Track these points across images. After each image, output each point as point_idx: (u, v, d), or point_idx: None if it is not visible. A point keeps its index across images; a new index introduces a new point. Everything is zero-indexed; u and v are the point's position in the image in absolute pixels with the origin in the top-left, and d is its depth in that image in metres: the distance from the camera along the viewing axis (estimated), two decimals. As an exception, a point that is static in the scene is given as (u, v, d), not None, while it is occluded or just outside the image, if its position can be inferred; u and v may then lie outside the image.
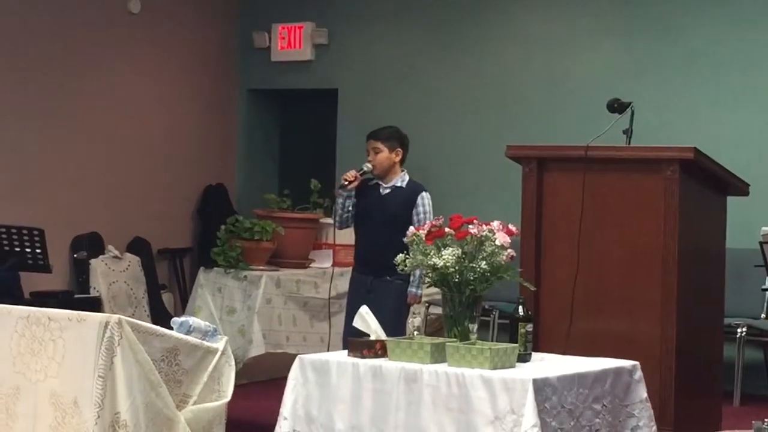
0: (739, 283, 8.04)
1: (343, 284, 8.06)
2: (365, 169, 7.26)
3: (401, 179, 7.31)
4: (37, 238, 8.22)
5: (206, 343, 5.15)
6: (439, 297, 5.37)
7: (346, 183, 7.20)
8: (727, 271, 6.44)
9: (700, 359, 6.10)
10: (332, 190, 7.55)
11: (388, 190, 7.28)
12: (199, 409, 5.07)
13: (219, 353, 5.17)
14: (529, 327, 5.17)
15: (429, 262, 5.13)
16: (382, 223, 7.17)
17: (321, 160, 10.97)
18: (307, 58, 11.11)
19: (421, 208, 7.20)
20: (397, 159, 7.31)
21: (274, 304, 8.75)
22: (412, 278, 7.05)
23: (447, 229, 5.20)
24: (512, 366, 4.94)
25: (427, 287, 5.43)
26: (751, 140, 9.09)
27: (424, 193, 7.26)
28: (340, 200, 7.31)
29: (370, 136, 7.37)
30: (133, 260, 10.24)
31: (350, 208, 7.33)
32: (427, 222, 6.95)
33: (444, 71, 10.46)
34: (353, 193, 7.29)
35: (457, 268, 5.07)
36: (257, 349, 8.59)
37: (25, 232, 8.25)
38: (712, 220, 6.29)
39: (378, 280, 7.17)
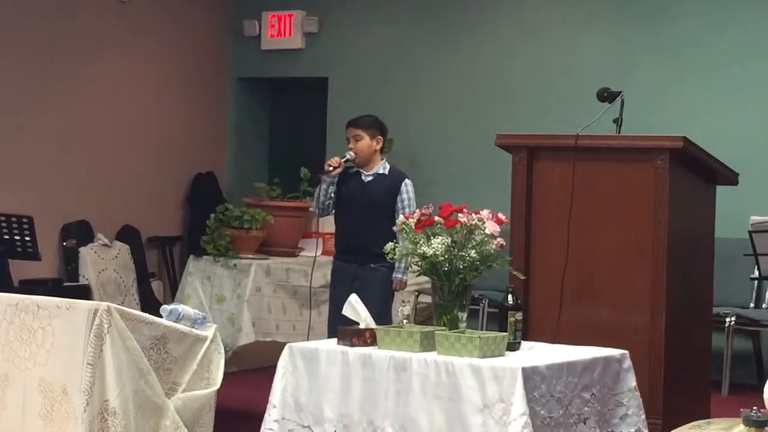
0: (728, 272, 8.07)
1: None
2: (348, 156, 7.26)
3: (383, 167, 7.31)
4: (26, 226, 8.21)
5: (195, 331, 5.15)
6: (429, 286, 5.37)
7: (331, 169, 7.20)
8: (716, 261, 6.45)
9: (689, 348, 6.11)
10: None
11: (370, 178, 7.28)
12: (189, 397, 5.07)
13: (208, 341, 5.17)
14: (519, 316, 5.18)
15: (418, 251, 5.13)
16: (365, 210, 7.17)
17: (311, 149, 10.96)
18: (297, 46, 11.10)
19: (405, 195, 7.20)
20: (378, 147, 7.29)
21: (264, 293, 8.74)
22: (397, 264, 7.04)
23: (436, 218, 5.20)
24: (501, 355, 4.94)
25: (417, 276, 5.42)
26: (741, 130, 9.11)
27: (407, 180, 7.26)
28: (323, 186, 7.30)
29: (350, 124, 7.35)
30: (122, 248, 10.23)
31: (332, 195, 7.32)
32: (411, 209, 7.03)
33: (435, 60, 10.46)
34: (335, 180, 7.29)
35: (446, 256, 5.07)
36: (247, 337, 8.59)
37: (14, 219, 8.23)
38: (702, 210, 6.30)
39: (362, 267, 7.16)
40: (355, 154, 7.25)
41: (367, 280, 7.11)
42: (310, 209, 7.41)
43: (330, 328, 7.21)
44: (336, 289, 7.29)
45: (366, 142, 7.25)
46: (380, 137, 7.30)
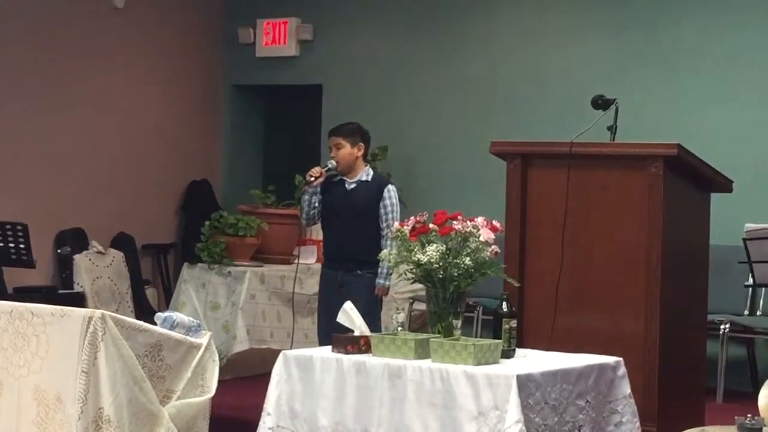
0: (723, 279, 8.08)
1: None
2: (330, 165, 7.27)
3: (366, 173, 7.31)
4: (20, 233, 8.20)
5: (190, 339, 5.14)
6: (423, 293, 5.37)
7: (312, 179, 7.22)
8: (711, 268, 6.45)
9: (684, 355, 6.11)
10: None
11: (353, 185, 7.28)
12: (183, 405, 5.06)
13: (203, 349, 5.17)
14: (513, 323, 5.18)
15: (413, 258, 5.13)
16: (349, 217, 7.18)
17: (305, 156, 10.94)
18: (291, 53, 11.10)
19: (388, 201, 7.20)
20: (360, 154, 7.30)
21: (258, 300, 8.74)
22: (380, 270, 7.07)
23: (431, 225, 5.20)
24: (496, 362, 4.95)
25: (411, 283, 5.42)
26: (735, 137, 9.11)
27: (390, 186, 7.27)
28: (306, 197, 7.33)
29: (331, 133, 7.38)
30: (117, 256, 10.22)
31: (316, 204, 7.34)
32: (394, 214, 7.05)
33: (429, 67, 10.46)
34: (318, 189, 7.30)
35: (441, 264, 5.08)
36: (241, 344, 8.59)
37: (8, 226, 8.23)
38: (696, 217, 6.30)
39: (348, 274, 7.17)
40: (337, 162, 7.26)
41: (353, 287, 7.10)
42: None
43: (320, 334, 7.22)
44: (324, 296, 7.31)
45: (347, 150, 7.26)
46: (362, 144, 7.30)
